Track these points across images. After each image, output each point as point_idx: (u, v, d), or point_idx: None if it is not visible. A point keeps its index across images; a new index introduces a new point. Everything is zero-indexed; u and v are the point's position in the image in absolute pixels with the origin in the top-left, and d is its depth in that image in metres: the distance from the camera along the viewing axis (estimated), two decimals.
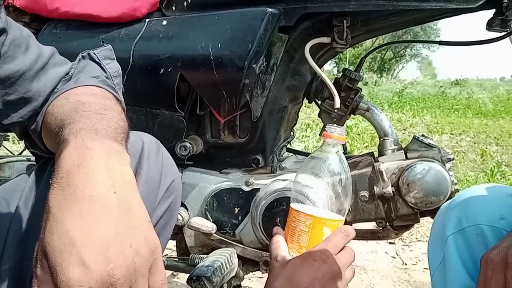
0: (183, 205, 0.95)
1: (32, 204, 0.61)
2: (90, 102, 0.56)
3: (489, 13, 0.85)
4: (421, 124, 6.41)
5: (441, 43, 0.92)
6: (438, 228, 0.59)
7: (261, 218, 0.88)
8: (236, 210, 0.92)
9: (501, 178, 3.45)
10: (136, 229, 0.42)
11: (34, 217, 0.59)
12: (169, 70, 0.86)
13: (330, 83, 0.90)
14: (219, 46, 0.82)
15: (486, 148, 4.86)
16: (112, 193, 0.43)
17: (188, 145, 0.92)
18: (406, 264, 1.60)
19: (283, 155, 1.02)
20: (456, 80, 11.55)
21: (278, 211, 0.87)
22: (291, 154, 1.06)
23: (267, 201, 0.87)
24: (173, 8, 0.89)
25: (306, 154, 1.08)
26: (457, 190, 0.88)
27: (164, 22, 0.88)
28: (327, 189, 0.68)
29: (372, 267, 1.55)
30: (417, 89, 10.49)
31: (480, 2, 0.77)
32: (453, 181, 0.87)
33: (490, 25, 0.84)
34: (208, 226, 0.88)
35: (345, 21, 0.81)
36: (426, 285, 1.46)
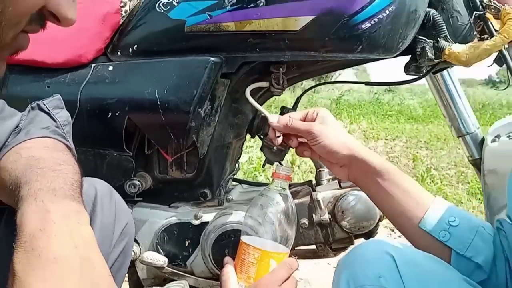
0: (134, 240, 0.98)
1: None
2: (43, 158, 0.59)
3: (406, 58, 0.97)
4: (358, 130, 6.72)
5: (367, 83, 1.03)
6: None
7: (210, 250, 0.94)
8: (187, 243, 0.97)
9: (430, 182, 3.73)
10: (98, 285, 0.46)
11: None
12: (117, 114, 0.89)
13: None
14: (165, 92, 0.87)
15: (417, 152, 5.21)
16: (74, 254, 0.46)
17: (137, 182, 0.96)
18: None
19: (229, 187, 1.09)
20: (389, 87, 12.20)
21: (226, 243, 0.93)
22: (237, 183, 1.13)
23: (216, 234, 0.93)
24: (119, 53, 0.93)
25: (250, 183, 1.14)
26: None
27: (110, 68, 0.92)
28: (275, 223, 0.77)
29: (316, 279, 1.65)
30: (354, 96, 10.98)
31: (397, 53, 0.88)
32: None
33: (407, 69, 0.96)
34: (160, 260, 0.92)
35: (281, 68, 0.89)
36: None
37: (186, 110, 0.87)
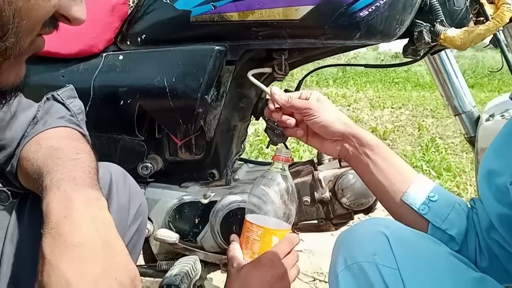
0: (148, 218, 1.05)
1: (16, 243, 0.66)
2: (62, 148, 0.63)
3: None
4: (364, 99, 6.70)
5: (367, 66, 1.07)
6: (332, 264, 0.71)
7: (219, 227, 1.01)
8: (197, 220, 1.04)
9: (435, 151, 3.77)
10: (118, 264, 0.52)
11: (21, 257, 0.65)
12: (129, 101, 0.95)
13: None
14: (174, 80, 0.92)
15: (423, 121, 5.21)
16: (97, 238, 0.51)
17: (149, 165, 1.02)
18: None
19: (236, 166, 1.15)
20: (396, 53, 12.05)
21: (234, 220, 1.00)
22: (242, 163, 1.19)
23: (224, 212, 1.00)
24: (128, 43, 0.97)
25: (255, 163, 1.21)
26: None
27: (121, 57, 0.96)
28: (277, 202, 0.83)
29: (319, 249, 1.74)
30: (360, 63, 10.85)
31: (395, 38, 0.92)
32: None
33: (405, 52, 0.99)
34: (172, 236, 1.00)
35: (283, 55, 0.93)
36: None
37: (193, 96, 0.92)
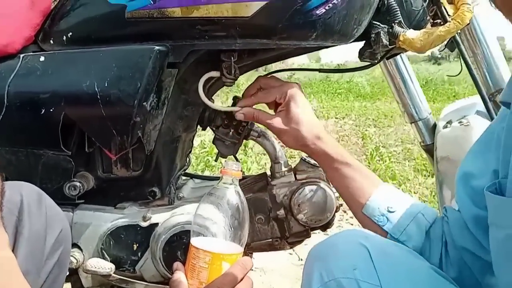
0: (76, 246, 0.91)
1: None
2: None
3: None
4: None
5: (321, 71, 1.00)
6: (306, 281, 0.64)
7: (161, 253, 0.88)
8: (135, 246, 0.91)
9: (379, 160, 3.84)
10: None
11: None
12: (51, 110, 0.81)
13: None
14: (106, 85, 0.79)
15: (366, 130, 5.35)
16: None
17: (78, 184, 0.89)
18: (301, 260, 1.72)
19: (180, 183, 1.03)
20: (338, 64, 12.41)
21: (178, 245, 0.88)
22: (188, 178, 1.07)
23: (166, 236, 0.88)
24: (51, 42, 0.84)
25: (202, 178, 1.09)
26: (341, 205, 0.98)
27: (42, 58, 0.82)
28: (226, 222, 0.72)
29: (271, 267, 1.64)
30: (304, 74, 11.06)
31: (352, 40, 0.85)
32: (337, 197, 0.95)
33: (361, 56, 0.93)
34: (106, 267, 0.86)
35: (232, 57, 0.84)
36: None
37: (129, 103, 0.80)
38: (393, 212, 0.76)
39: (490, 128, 0.69)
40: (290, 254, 1.78)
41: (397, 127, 5.64)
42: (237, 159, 1.12)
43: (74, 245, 0.91)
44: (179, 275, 0.72)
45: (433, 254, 0.72)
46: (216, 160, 0.97)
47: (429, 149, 1.07)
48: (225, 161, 0.77)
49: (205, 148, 3.61)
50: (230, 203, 0.73)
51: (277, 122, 0.84)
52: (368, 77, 11.59)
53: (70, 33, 0.83)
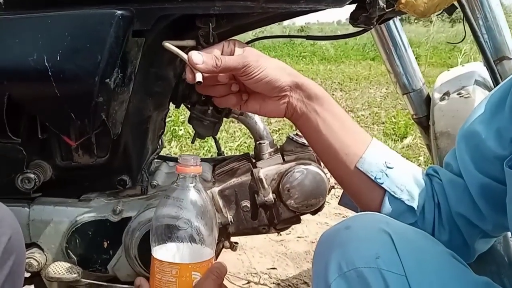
0: (36, 245, 0.79)
1: None
2: None
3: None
4: None
5: (309, 37, 0.88)
6: (320, 270, 0.58)
7: (137, 250, 0.78)
8: (105, 244, 0.80)
9: None
10: None
11: None
12: None
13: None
14: (58, 58, 0.65)
15: (333, 94, 5.30)
16: None
17: (32, 175, 0.76)
18: (280, 235, 1.66)
19: (152, 168, 0.91)
20: (301, 27, 12.22)
21: None
22: (161, 161, 0.96)
23: (142, 231, 0.77)
24: None
25: (176, 160, 0.98)
26: (333, 187, 0.89)
27: None
28: (191, 227, 0.62)
29: (250, 245, 1.57)
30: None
31: (348, 2, 0.74)
32: (329, 179, 0.87)
33: (354, 20, 0.82)
34: (73, 272, 0.75)
35: (210, 23, 0.71)
36: (301, 254, 1.53)
37: (89, 81, 0.66)
38: (391, 168, 0.68)
39: (503, 87, 0.63)
40: None
41: (362, 90, 5.63)
42: (216, 140, 1.01)
43: (34, 244, 0.79)
44: None
45: (428, 214, 0.68)
46: (193, 142, 0.85)
47: (422, 122, 1.00)
48: (180, 156, 0.66)
49: (170, 117, 3.44)
50: (193, 204, 0.62)
51: (251, 52, 0.68)
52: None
53: None
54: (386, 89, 5.47)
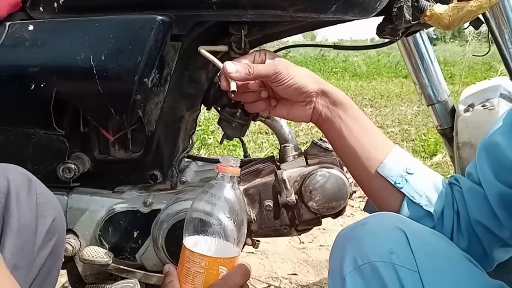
0: (72, 232, 0.85)
1: None
2: None
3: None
4: None
5: (336, 47, 0.92)
6: (336, 264, 0.60)
7: (164, 241, 0.82)
8: (135, 233, 0.85)
9: None
10: None
11: None
12: (42, 85, 0.73)
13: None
14: (103, 58, 0.72)
15: (363, 110, 5.23)
16: None
17: (73, 166, 0.82)
18: (303, 243, 1.68)
19: (182, 166, 0.96)
20: (334, 43, 12.23)
21: (182, 232, 0.82)
22: (190, 160, 1.01)
23: (170, 223, 0.81)
24: (41, 9, 0.75)
25: (206, 160, 1.03)
26: (354, 192, 0.92)
27: (31, 27, 0.74)
28: (223, 224, 0.66)
29: (272, 250, 1.60)
30: (300, 52, 10.91)
31: (374, 14, 0.78)
32: (351, 183, 0.90)
33: (380, 32, 0.86)
34: (104, 256, 0.80)
35: (242, 30, 0.76)
36: (322, 262, 1.55)
37: (129, 79, 0.72)
38: (411, 174, 0.71)
39: None
40: (291, 237, 1.73)
41: (393, 107, 5.59)
42: (242, 142, 1.06)
43: (70, 231, 0.85)
44: (171, 278, 0.66)
45: (446, 221, 0.70)
46: (221, 143, 0.90)
47: (446, 133, 1.01)
48: (222, 156, 0.70)
49: (201, 126, 3.53)
50: (228, 202, 0.66)
51: (281, 61, 0.72)
52: (364, 56, 11.47)
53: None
54: (418, 107, 5.41)
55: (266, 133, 3.64)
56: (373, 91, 6.87)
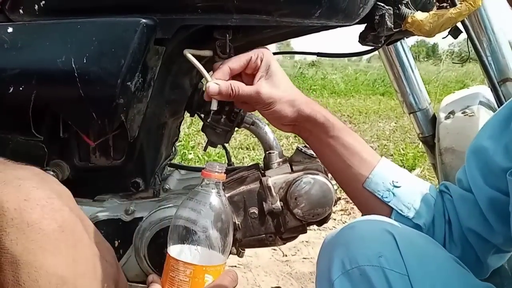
0: None
1: None
2: None
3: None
4: None
5: (319, 54, 0.93)
6: (324, 269, 0.60)
7: (146, 250, 0.80)
8: (116, 243, 0.82)
9: None
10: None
11: None
12: (21, 88, 0.71)
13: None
14: (84, 61, 0.70)
15: None
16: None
17: (51, 173, 0.79)
18: (286, 256, 1.67)
19: (165, 173, 0.94)
20: (312, 61, 12.42)
21: (165, 241, 0.79)
22: (173, 169, 0.99)
23: (152, 232, 0.79)
24: (21, 12, 0.73)
25: (189, 168, 1.01)
26: (339, 198, 0.92)
27: (10, 29, 0.72)
28: (208, 231, 0.64)
29: (255, 263, 1.57)
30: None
31: (357, 20, 0.79)
32: (336, 189, 0.89)
33: (363, 40, 0.87)
34: None
35: (227, 34, 0.76)
36: (305, 275, 1.53)
37: (111, 83, 0.71)
38: (398, 187, 0.71)
39: (509, 105, 0.66)
40: (274, 250, 1.72)
41: (372, 123, 5.66)
42: (226, 150, 1.05)
43: None
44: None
45: (438, 231, 0.70)
46: (205, 150, 0.89)
47: (428, 141, 1.03)
48: (208, 162, 0.69)
49: (181, 141, 3.50)
50: (213, 209, 0.65)
51: (264, 87, 0.71)
52: (342, 74, 11.65)
53: (43, 2, 0.73)
54: (395, 123, 5.50)
55: (247, 148, 3.63)
56: (351, 108, 6.96)
